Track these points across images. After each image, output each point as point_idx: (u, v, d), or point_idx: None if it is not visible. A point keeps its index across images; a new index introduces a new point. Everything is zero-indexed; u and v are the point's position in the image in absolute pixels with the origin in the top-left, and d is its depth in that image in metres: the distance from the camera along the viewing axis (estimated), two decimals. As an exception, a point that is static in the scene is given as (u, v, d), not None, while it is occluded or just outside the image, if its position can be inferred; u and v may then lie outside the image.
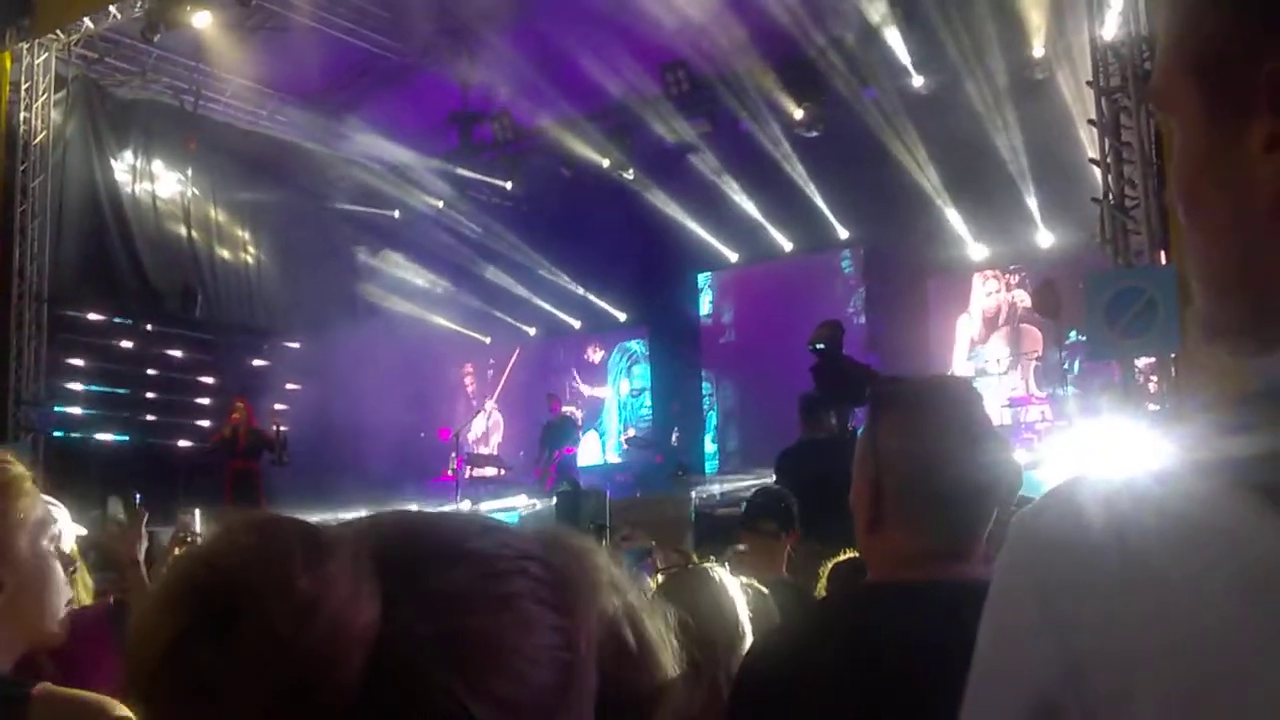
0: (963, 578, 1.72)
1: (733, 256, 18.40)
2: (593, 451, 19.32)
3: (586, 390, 20.23)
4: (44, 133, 14.36)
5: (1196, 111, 0.79)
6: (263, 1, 14.36)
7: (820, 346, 9.43)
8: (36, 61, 14.27)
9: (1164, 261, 8.55)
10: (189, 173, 17.28)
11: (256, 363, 17.30)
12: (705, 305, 19.42)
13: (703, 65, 15.86)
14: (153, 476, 13.42)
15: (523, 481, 16.70)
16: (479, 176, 18.99)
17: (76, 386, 15.24)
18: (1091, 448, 7.32)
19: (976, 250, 16.01)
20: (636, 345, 20.28)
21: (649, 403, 19.86)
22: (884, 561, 1.84)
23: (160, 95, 16.85)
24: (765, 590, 3.04)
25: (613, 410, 20.27)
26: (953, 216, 15.62)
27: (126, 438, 15.50)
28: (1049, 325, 13.41)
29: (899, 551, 1.81)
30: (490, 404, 21.22)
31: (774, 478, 7.56)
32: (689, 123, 16.85)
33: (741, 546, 4.94)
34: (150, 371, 16.30)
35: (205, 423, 16.24)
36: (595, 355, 20.57)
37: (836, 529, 2.27)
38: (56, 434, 14.20)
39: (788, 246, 17.77)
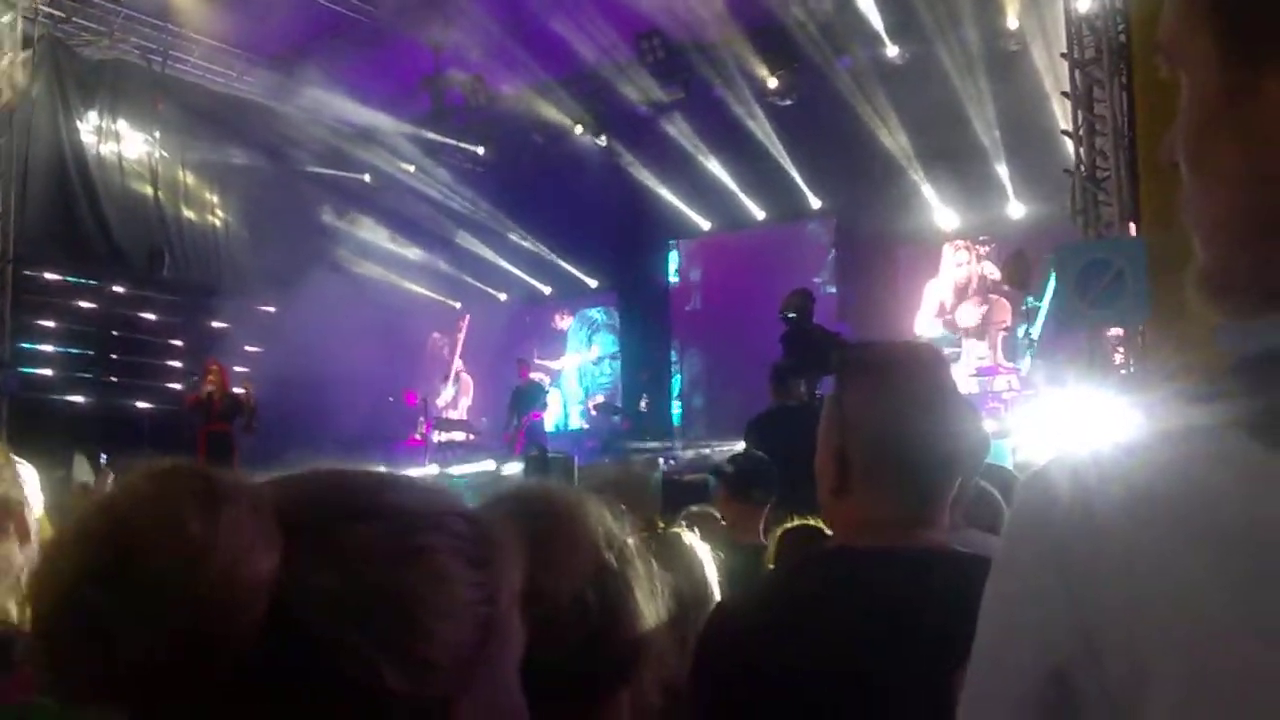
0: (928, 544, 1.72)
1: (705, 224, 18.37)
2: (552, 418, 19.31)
3: (548, 363, 20.16)
4: (9, 93, 14.14)
5: (1211, 60, 0.78)
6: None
7: (791, 315, 9.45)
8: (2, 20, 14.04)
9: (1133, 234, 8.59)
10: (156, 134, 17.09)
11: (222, 325, 17.17)
12: (674, 273, 19.42)
13: (678, 32, 15.79)
14: (119, 438, 13.34)
15: (491, 446, 16.70)
16: (451, 141, 18.89)
17: (43, 348, 15.11)
18: (1058, 417, 7.36)
19: (948, 220, 16.04)
20: (597, 313, 20.28)
21: (608, 370, 19.88)
22: (848, 527, 1.84)
23: (128, 55, 16.62)
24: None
25: (573, 378, 20.26)
26: (925, 187, 15.65)
27: (93, 399, 15.38)
28: (1018, 296, 13.48)
29: (863, 517, 1.80)
30: (459, 367, 21.19)
31: (743, 444, 7.58)
32: (663, 90, 16.81)
33: (695, 508, 4.96)
34: (116, 333, 16.17)
35: (174, 385, 16.14)
36: (564, 322, 20.55)
37: (805, 496, 2.27)
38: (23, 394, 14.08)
39: (760, 215, 17.76)
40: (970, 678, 0.81)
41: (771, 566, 3.54)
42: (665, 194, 17.89)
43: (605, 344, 20.09)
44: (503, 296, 20.72)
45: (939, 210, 15.89)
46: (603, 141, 17.76)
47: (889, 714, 1.51)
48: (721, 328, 17.50)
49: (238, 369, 15.06)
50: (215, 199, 18.03)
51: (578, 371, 20.33)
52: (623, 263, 18.99)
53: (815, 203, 17.18)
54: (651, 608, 1.50)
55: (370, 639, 0.79)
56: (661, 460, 13.07)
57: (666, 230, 18.73)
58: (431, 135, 18.75)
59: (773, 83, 15.89)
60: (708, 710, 1.76)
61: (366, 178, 19.53)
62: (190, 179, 17.60)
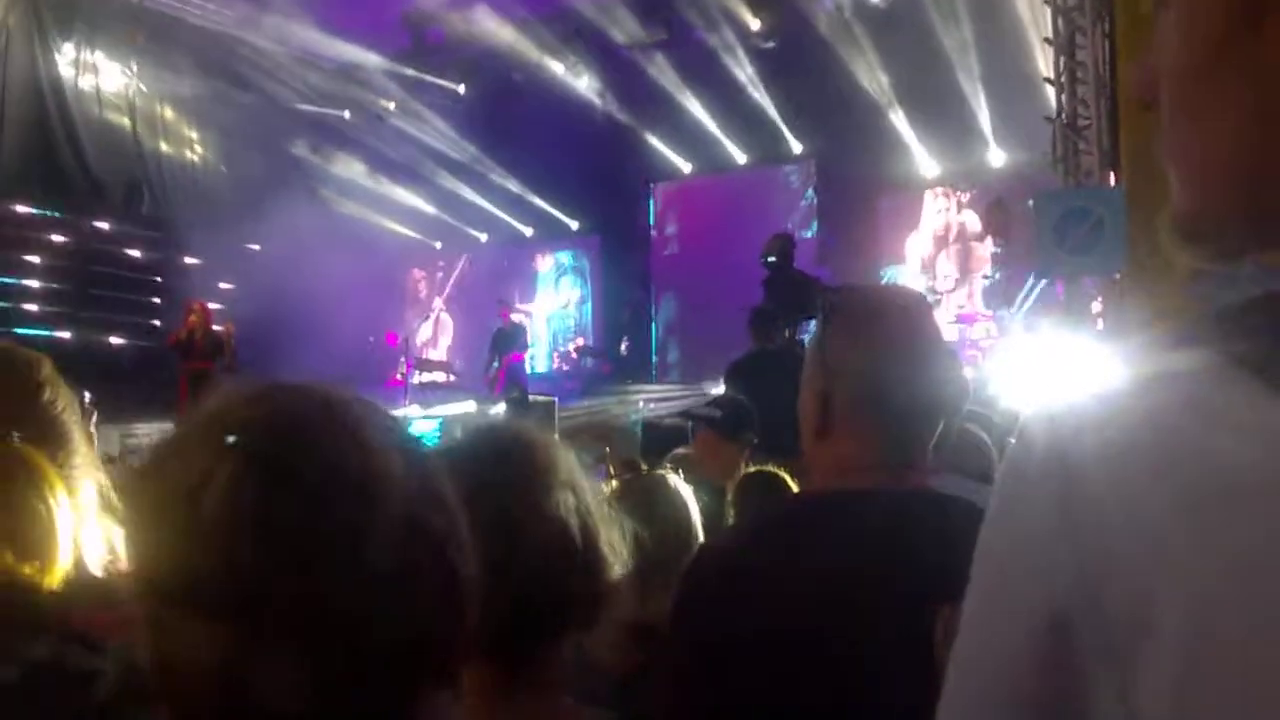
0: (911, 486, 1.75)
1: (686, 167, 18.30)
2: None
3: (524, 307, 20.06)
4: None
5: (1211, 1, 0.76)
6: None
7: (772, 259, 9.46)
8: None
9: (1113, 182, 8.61)
10: (134, 66, 16.91)
11: (200, 261, 17.07)
12: (654, 216, 19.34)
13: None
14: (99, 375, 13.29)
15: (471, 388, 16.69)
16: (431, 79, 18.72)
17: (22, 282, 15.02)
18: (1034, 363, 7.41)
19: (929, 167, 16.02)
20: (566, 257, 20.20)
21: (575, 314, 19.84)
22: (831, 470, 1.85)
23: (105, -14, 16.42)
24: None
25: (541, 321, 20.21)
26: (906, 132, 15.61)
27: (72, 334, 15.32)
28: (998, 243, 13.51)
29: (846, 460, 1.81)
30: (439, 307, 21.13)
31: (723, 387, 7.61)
32: (645, 30, 16.67)
33: (681, 450, 4.99)
34: (95, 268, 16.08)
35: (154, 321, 16.07)
36: (545, 264, 20.48)
37: (788, 439, 2.30)
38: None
39: (741, 159, 17.69)
40: (965, 626, 0.80)
41: (731, 508, 3.58)
42: (646, 135, 17.79)
43: (572, 286, 20.03)
44: (484, 237, 20.62)
45: (920, 156, 15.86)
46: (584, 81, 17.63)
47: (875, 648, 1.54)
48: (702, 271, 17.46)
49: (214, 306, 14.99)
50: (194, 134, 17.89)
51: (546, 316, 20.28)
52: (603, 204, 18.88)
53: (796, 146, 17.12)
54: (613, 553, 1.52)
55: None
56: (641, 403, 13.10)
57: (647, 172, 18.65)
58: (412, 72, 18.58)
59: (755, 25, 15.80)
60: (691, 650, 1.79)
61: (346, 114, 19.36)
62: (169, 113, 17.45)
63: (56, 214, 15.78)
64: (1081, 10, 9.43)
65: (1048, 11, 9.98)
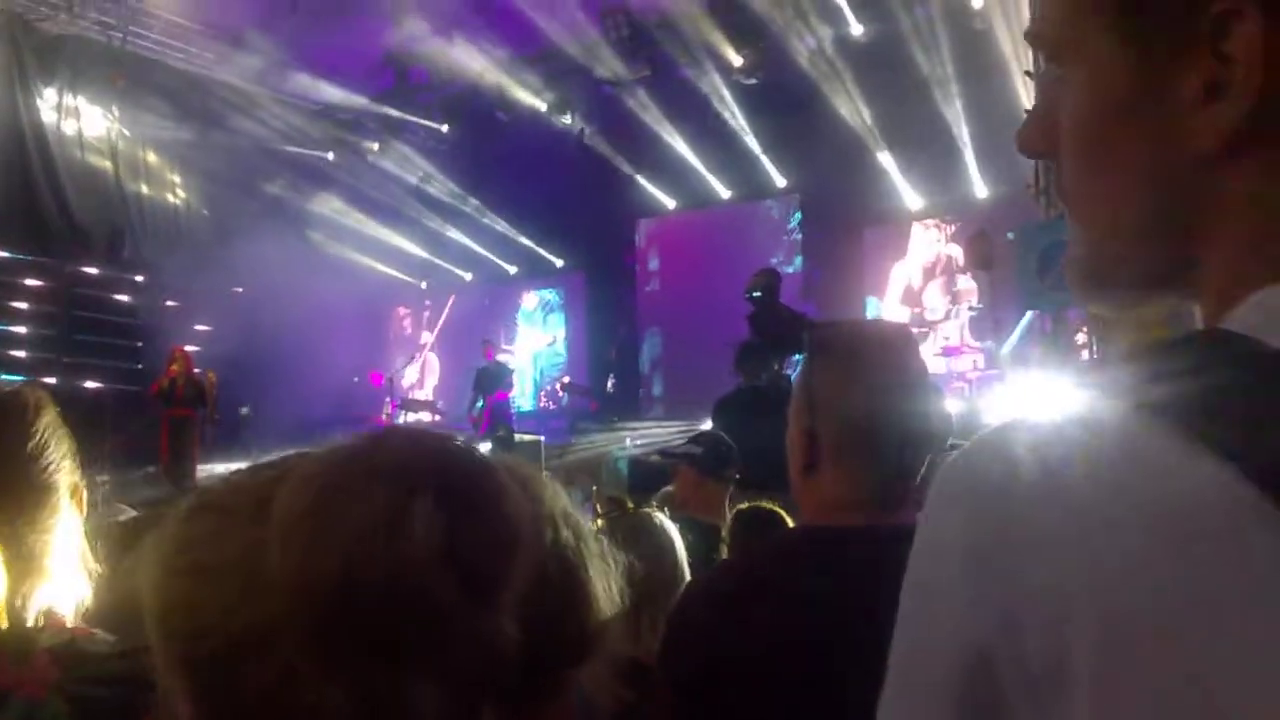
0: (899, 521, 1.73)
1: (670, 203, 18.34)
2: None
3: (509, 347, 20.04)
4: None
5: (1113, 54, 0.76)
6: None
7: (757, 294, 9.44)
8: (-42, -6, 13.89)
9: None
10: (116, 110, 16.93)
11: (183, 305, 17.04)
12: (639, 253, 19.35)
13: (643, 9, 15.75)
14: (78, 421, 13.23)
15: (456, 427, 16.63)
16: (414, 119, 18.78)
17: (7, 328, 14.98)
18: (1021, 397, 7.41)
19: (913, 200, 16.07)
20: (552, 295, 20.23)
21: (561, 352, 19.85)
22: (819, 506, 1.85)
23: (87, 31, 16.44)
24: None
25: (527, 359, 20.18)
26: (890, 166, 15.67)
27: (55, 380, 15.25)
28: (983, 276, 13.53)
29: (834, 497, 1.81)
30: (425, 346, 21.11)
31: (710, 423, 7.58)
32: (628, 67, 16.75)
33: (670, 489, 4.97)
34: (77, 312, 16.04)
35: (138, 365, 16.02)
36: (530, 301, 20.49)
37: (775, 476, 2.28)
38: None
39: (725, 194, 17.75)
40: (891, 658, 0.78)
41: (725, 545, 3.55)
42: (630, 172, 17.85)
43: (556, 325, 20.04)
44: (468, 276, 20.63)
45: (904, 189, 15.92)
46: (568, 119, 17.70)
47: (866, 686, 1.52)
48: (687, 306, 17.49)
49: (196, 349, 14.96)
50: (176, 178, 17.89)
51: (532, 354, 20.26)
52: (588, 241, 18.91)
53: (780, 181, 17.19)
54: (605, 589, 1.49)
55: None
56: (628, 440, 13.08)
57: (631, 208, 18.67)
58: (395, 113, 18.63)
59: (738, 61, 15.88)
60: (680, 690, 1.77)
61: (330, 155, 19.39)
62: (151, 156, 17.46)
63: (39, 258, 15.74)
64: (1061, 43, 9.48)
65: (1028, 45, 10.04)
